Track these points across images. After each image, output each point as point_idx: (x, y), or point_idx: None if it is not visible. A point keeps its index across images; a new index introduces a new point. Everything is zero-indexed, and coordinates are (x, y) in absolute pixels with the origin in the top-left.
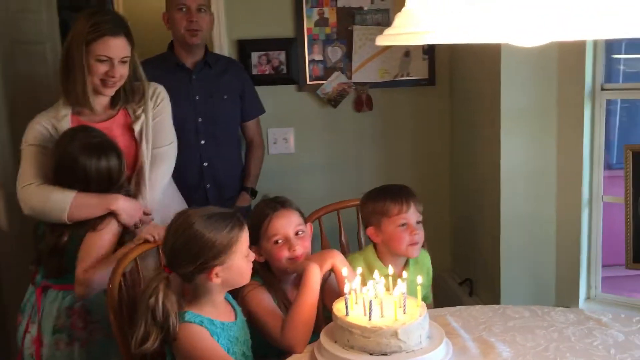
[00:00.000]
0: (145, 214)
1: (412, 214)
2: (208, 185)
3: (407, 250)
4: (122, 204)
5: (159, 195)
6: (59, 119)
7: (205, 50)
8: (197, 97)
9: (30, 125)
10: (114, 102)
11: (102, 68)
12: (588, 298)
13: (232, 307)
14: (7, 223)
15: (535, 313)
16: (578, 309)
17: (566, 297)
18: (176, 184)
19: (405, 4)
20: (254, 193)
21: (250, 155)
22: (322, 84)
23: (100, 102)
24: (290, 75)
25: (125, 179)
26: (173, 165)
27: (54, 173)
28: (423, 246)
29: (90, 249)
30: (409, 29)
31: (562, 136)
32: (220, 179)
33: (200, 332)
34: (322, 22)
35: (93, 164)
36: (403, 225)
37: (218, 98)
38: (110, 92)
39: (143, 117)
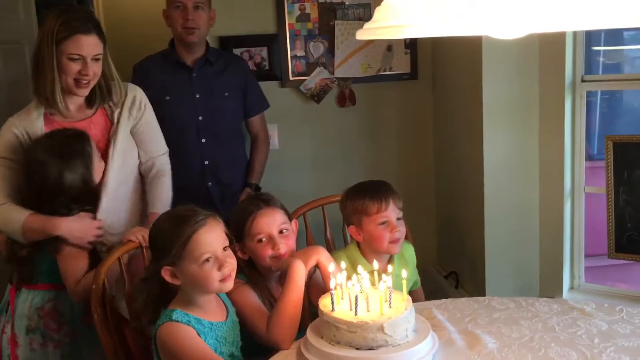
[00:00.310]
0: (99, 228)
1: (391, 211)
2: (210, 184)
3: (389, 247)
4: (65, 228)
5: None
6: (32, 121)
7: (207, 47)
8: (197, 96)
9: (2, 133)
10: (90, 101)
11: (75, 67)
12: (572, 288)
13: (226, 306)
14: None
15: (520, 304)
16: (562, 299)
17: (550, 287)
18: (178, 184)
19: None
20: (257, 189)
21: (254, 151)
22: (305, 79)
23: (75, 102)
24: (272, 72)
25: (89, 190)
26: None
27: (24, 182)
28: (406, 238)
29: (67, 272)
30: (389, 23)
31: (544, 128)
32: (222, 176)
33: (186, 331)
34: (303, 17)
35: (53, 173)
36: (383, 223)
37: (219, 95)
38: (84, 92)
39: (122, 121)
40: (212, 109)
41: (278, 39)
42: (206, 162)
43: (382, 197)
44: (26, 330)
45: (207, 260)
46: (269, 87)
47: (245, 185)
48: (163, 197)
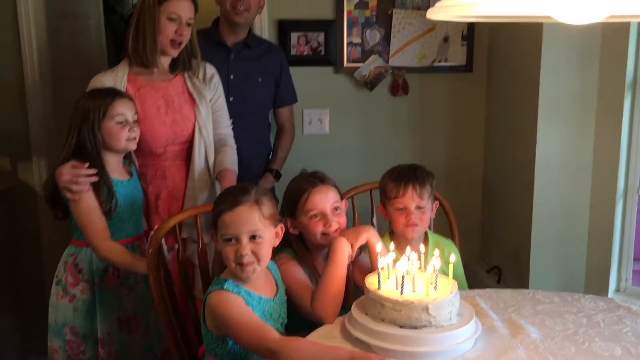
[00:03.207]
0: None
1: (409, 199)
2: None
3: (404, 230)
4: (58, 173)
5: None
6: (117, 79)
7: (249, 32)
8: (231, 77)
9: (88, 88)
10: (172, 67)
11: (172, 27)
12: (618, 290)
13: (276, 283)
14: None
15: (565, 299)
16: (608, 298)
17: (595, 288)
18: None
19: None
20: (278, 175)
21: (279, 139)
22: (359, 66)
23: (163, 62)
24: (328, 57)
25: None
26: None
27: None
28: (452, 235)
29: (81, 223)
30: (460, 1)
31: (600, 126)
32: (243, 158)
33: (235, 300)
34: (362, 4)
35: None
36: (400, 209)
37: (252, 80)
38: (175, 52)
39: (204, 92)
40: (243, 91)
41: (335, 25)
42: None
43: (402, 183)
44: (56, 281)
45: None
46: (323, 73)
47: (266, 170)
48: (232, 158)
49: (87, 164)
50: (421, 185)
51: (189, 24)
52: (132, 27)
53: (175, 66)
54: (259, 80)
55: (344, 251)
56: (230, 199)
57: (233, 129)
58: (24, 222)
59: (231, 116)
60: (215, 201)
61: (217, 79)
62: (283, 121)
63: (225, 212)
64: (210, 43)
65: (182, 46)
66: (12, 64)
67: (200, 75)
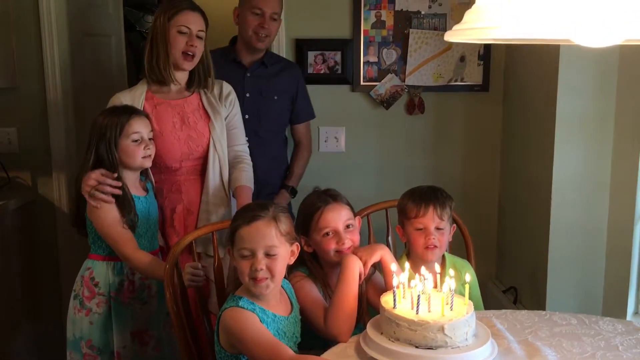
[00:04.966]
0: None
1: (429, 219)
2: None
3: (423, 253)
4: (86, 177)
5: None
6: (135, 97)
7: (266, 50)
8: (247, 95)
9: (108, 105)
10: (189, 85)
11: (182, 40)
12: (637, 313)
13: (291, 302)
14: (68, 205)
15: (583, 321)
16: (627, 321)
17: (614, 310)
18: None
19: (475, 1)
20: (294, 192)
21: (296, 156)
22: (376, 85)
23: (179, 78)
24: (344, 76)
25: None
26: None
27: None
28: (467, 257)
29: (106, 231)
30: (479, 24)
31: (618, 146)
32: (259, 176)
33: (250, 317)
34: (378, 24)
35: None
36: (419, 229)
37: (268, 98)
38: (190, 65)
39: (219, 109)
40: (259, 109)
41: (352, 44)
42: None
43: (423, 203)
44: (74, 295)
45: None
46: (339, 91)
47: (282, 186)
48: (248, 175)
49: (115, 174)
50: (442, 206)
51: (199, 37)
52: (147, 46)
53: (192, 83)
54: (275, 98)
55: (355, 268)
56: (248, 214)
57: (249, 146)
58: (43, 236)
59: (247, 134)
60: (233, 216)
61: (233, 97)
62: (300, 137)
63: (242, 226)
64: (227, 61)
65: (196, 60)
66: (35, 80)
67: (217, 92)
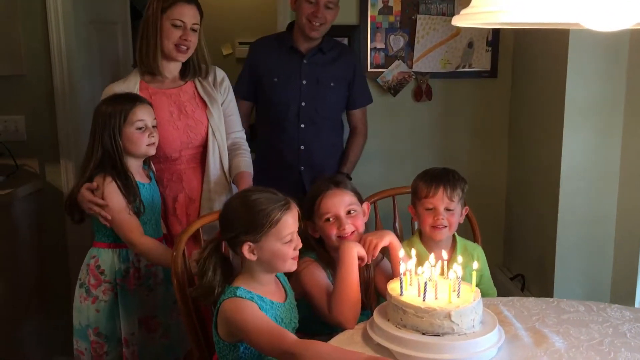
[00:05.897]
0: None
1: (438, 200)
2: (302, 168)
3: (431, 231)
4: (80, 198)
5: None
6: (129, 87)
7: (323, 36)
8: (304, 82)
9: (101, 98)
10: (183, 74)
11: (176, 33)
12: None
13: (284, 288)
14: None
15: (590, 308)
16: (635, 308)
17: (621, 298)
18: (274, 164)
19: None
20: (348, 178)
21: (351, 142)
22: (383, 72)
23: (171, 69)
24: None
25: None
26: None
27: None
28: (475, 239)
29: (112, 218)
30: (486, 8)
31: (628, 133)
32: (315, 163)
33: (250, 306)
34: (386, 10)
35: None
36: (429, 209)
37: (325, 85)
38: (183, 57)
39: (215, 96)
40: (315, 96)
41: (359, 31)
42: (302, 147)
43: (434, 184)
44: (79, 284)
45: (290, 240)
46: None
47: (337, 173)
48: (247, 161)
49: (95, 184)
50: (452, 187)
51: (194, 30)
52: (138, 36)
53: (186, 73)
54: (332, 85)
55: (353, 254)
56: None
57: (305, 133)
58: (51, 224)
59: (303, 121)
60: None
61: (227, 83)
62: (356, 123)
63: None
64: (284, 48)
65: (190, 52)
66: (41, 68)
67: (211, 79)
